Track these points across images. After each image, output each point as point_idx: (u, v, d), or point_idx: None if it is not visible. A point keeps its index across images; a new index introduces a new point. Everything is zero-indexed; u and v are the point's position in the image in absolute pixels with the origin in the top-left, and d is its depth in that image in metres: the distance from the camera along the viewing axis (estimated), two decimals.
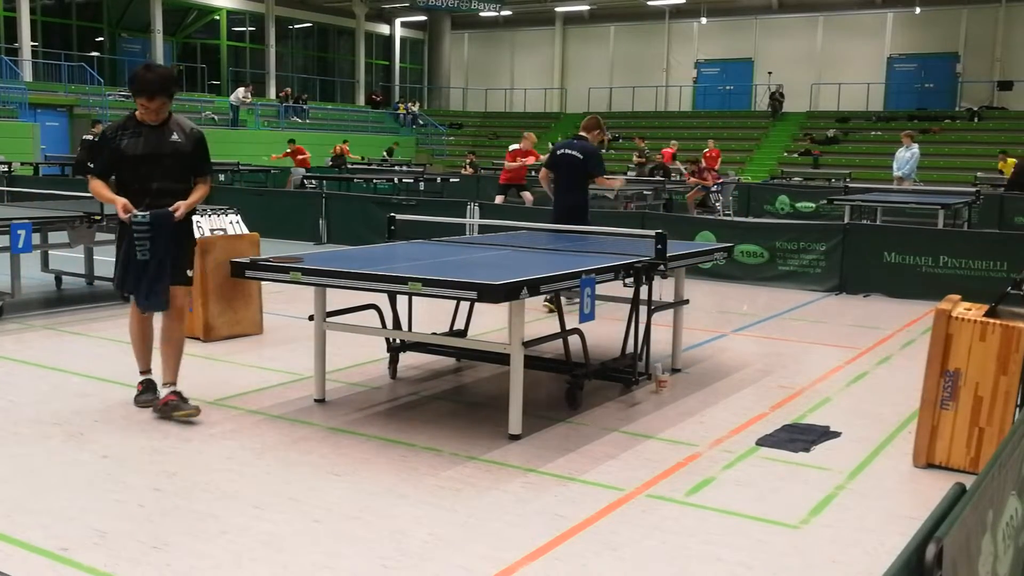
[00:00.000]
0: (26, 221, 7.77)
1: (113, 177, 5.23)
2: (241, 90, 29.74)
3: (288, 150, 22.68)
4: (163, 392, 5.29)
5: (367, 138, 32.23)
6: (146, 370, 5.49)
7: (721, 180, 18.88)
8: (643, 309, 5.91)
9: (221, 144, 27.13)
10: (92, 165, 4.91)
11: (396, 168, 26.18)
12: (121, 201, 5.02)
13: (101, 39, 32.16)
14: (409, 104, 37.46)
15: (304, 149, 22.68)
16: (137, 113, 5.15)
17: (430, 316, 6.97)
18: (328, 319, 5.62)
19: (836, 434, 5.20)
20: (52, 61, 28.37)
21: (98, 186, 5.16)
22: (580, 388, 5.62)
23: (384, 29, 41.20)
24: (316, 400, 5.65)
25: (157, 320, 5.41)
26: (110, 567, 3.43)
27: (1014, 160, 21.11)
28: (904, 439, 5.05)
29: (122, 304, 8.81)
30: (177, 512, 3.95)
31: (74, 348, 7.08)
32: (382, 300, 5.85)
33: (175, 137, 5.19)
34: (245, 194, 15.88)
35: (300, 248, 11.98)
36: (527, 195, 15.24)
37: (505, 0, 35.73)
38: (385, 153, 29.83)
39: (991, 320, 4.44)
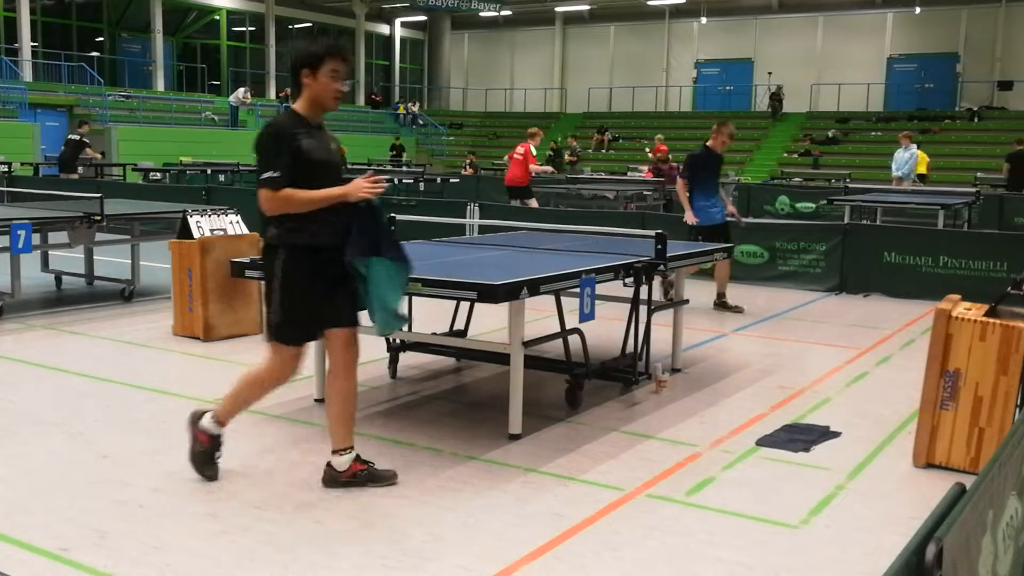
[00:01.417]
0: (26, 221, 7.78)
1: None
2: (241, 90, 29.73)
3: None
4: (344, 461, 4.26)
5: (367, 138, 32.25)
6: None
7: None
8: (643, 309, 5.91)
9: (221, 144, 27.18)
10: (276, 174, 3.91)
11: (402, 169, 26.17)
12: (357, 182, 3.98)
13: (101, 39, 32.17)
14: (409, 104, 37.46)
15: None
16: (301, 105, 4.11)
17: (430, 316, 6.97)
18: None
19: (836, 434, 5.20)
20: (52, 61, 28.38)
21: (298, 194, 3.94)
22: (580, 388, 5.62)
23: (384, 29, 41.21)
24: (316, 400, 5.64)
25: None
26: (110, 567, 3.43)
27: (923, 154, 21.14)
28: (904, 439, 5.05)
29: (121, 303, 8.83)
30: (177, 512, 3.95)
31: (74, 348, 7.08)
32: None
33: (331, 142, 4.26)
34: (245, 194, 15.83)
35: None
36: (532, 201, 14.99)
37: (505, 0, 35.73)
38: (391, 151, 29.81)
39: (991, 320, 4.44)
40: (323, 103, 4.11)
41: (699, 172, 9.02)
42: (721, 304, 9.06)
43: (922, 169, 20.53)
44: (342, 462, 4.24)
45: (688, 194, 9.04)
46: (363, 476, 4.26)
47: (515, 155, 14.90)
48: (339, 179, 4.12)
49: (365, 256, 4.01)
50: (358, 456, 4.29)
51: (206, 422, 4.30)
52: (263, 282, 4.25)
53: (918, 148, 19.13)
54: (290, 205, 3.96)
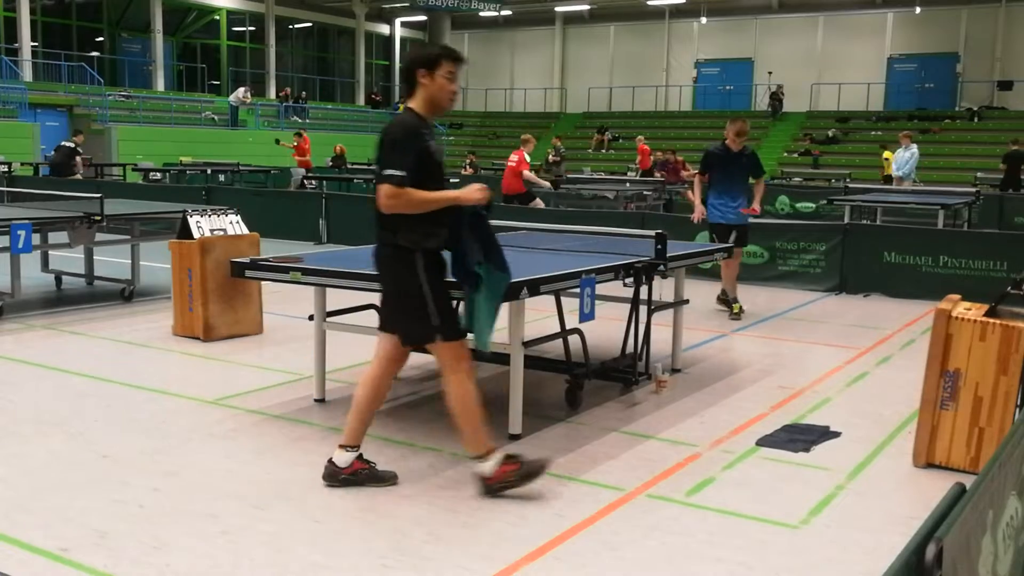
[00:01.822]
0: (26, 221, 7.77)
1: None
2: (241, 90, 29.70)
3: (294, 143, 22.60)
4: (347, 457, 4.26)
5: (367, 138, 32.22)
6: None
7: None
8: (643, 309, 5.91)
9: (221, 144, 27.18)
10: (401, 173, 3.92)
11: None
12: (471, 187, 4.12)
13: (101, 39, 32.16)
14: None
15: (307, 146, 22.54)
16: (418, 105, 4.16)
17: None
18: (328, 319, 5.62)
19: (836, 434, 5.20)
20: (52, 61, 28.37)
21: (417, 193, 3.97)
22: (580, 388, 5.62)
23: (384, 29, 41.21)
24: (316, 400, 5.65)
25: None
26: (110, 567, 3.43)
27: (891, 154, 21.24)
28: (904, 439, 5.05)
29: (121, 303, 8.83)
30: (177, 512, 3.95)
31: (74, 348, 7.08)
32: None
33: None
34: (245, 194, 15.88)
35: (300, 248, 11.98)
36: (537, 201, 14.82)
37: (505, 0, 35.73)
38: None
39: (991, 320, 4.44)
40: (440, 103, 4.17)
41: (713, 169, 8.86)
42: (724, 301, 8.99)
43: (890, 170, 20.67)
44: (345, 458, 4.24)
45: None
46: (363, 475, 4.25)
47: (509, 163, 14.49)
48: (444, 182, 4.23)
49: (483, 263, 4.08)
50: (361, 455, 4.29)
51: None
52: (399, 292, 4.15)
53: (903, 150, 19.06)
54: (409, 204, 3.97)
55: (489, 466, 4.12)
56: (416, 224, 4.01)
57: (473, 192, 4.08)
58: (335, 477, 4.24)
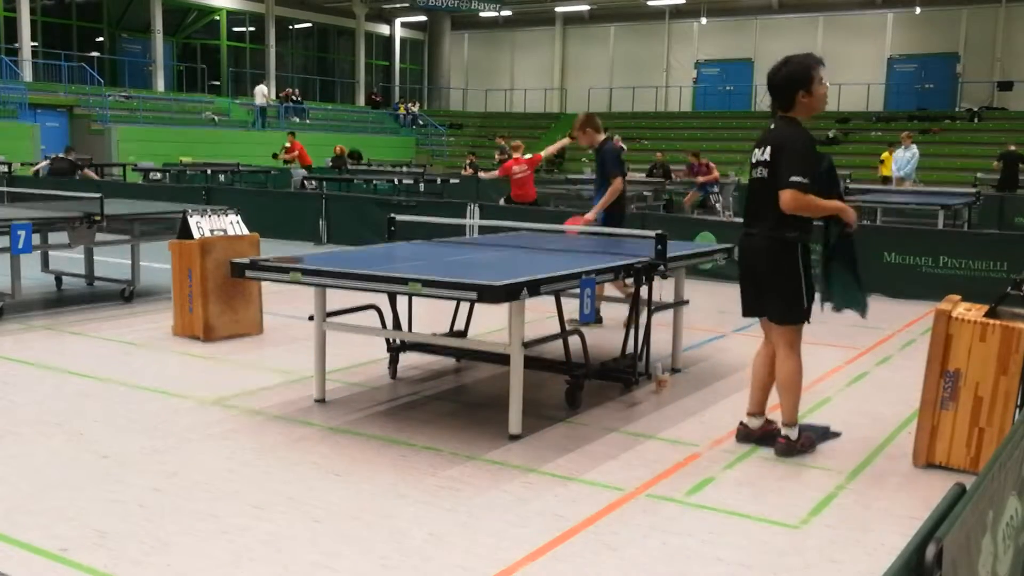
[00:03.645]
0: (26, 221, 7.77)
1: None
2: (261, 87, 30.04)
3: (287, 145, 22.57)
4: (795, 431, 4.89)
5: (367, 139, 32.23)
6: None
7: (717, 180, 19.31)
8: (643, 309, 5.92)
9: (222, 144, 27.19)
10: (807, 181, 4.44)
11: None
12: (850, 208, 4.72)
13: (101, 39, 32.18)
14: (409, 104, 37.48)
15: (302, 147, 22.47)
16: (799, 114, 4.62)
17: (430, 316, 6.97)
18: (328, 319, 5.62)
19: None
20: (52, 61, 28.38)
21: (816, 200, 4.53)
22: (580, 388, 5.62)
23: (384, 29, 41.22)
24: (316, 400, 5.65)
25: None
26: (110, 567, 3.43)
27: (888, 155, 21.32)
28: (904, 439, 5.05)
29: (122, 303, 8.83)
30: (177, 512, 3.95)
31: (74, 348, 7.09)
32: (382, 300, 5.85)
33: None
34: (245, 194, 15.89)
35: (300, 248, 11.99)
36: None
37: (505, 0, 35.74)
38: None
39: (991, 320, 4.44)
40: (818, 110, 4.67)
41: None
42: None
43: (886, 171, 20.73)
44: (794, 432, 4.77)
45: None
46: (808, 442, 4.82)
47: (519, 171, 12.64)
48: (836, 186, 4.79)
49: (844, 266, 4.85)
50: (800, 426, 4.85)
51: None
52: (780, 279, 4.67)
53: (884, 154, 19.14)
54: (808, 209, 4.52)
55: (795, 432, 4.80)
56: (803, 223, 4.59)
57: (851, 212, 4.68)
58: (792, 450, 4.75)
